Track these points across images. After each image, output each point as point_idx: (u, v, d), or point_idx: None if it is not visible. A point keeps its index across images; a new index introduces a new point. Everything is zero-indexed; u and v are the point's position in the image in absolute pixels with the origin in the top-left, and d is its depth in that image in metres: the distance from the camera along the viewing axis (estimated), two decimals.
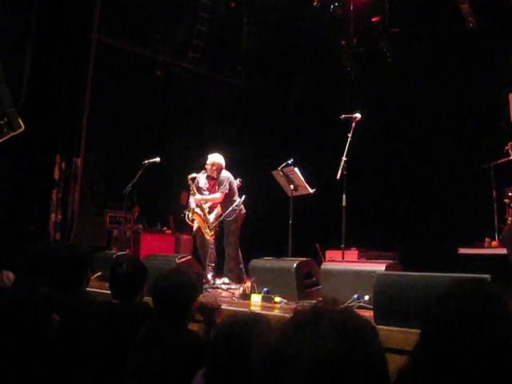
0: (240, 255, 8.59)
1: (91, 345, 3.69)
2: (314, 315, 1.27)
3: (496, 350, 1.46)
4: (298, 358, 1.18)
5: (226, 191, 8.48)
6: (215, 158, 8.66)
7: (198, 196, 8.62)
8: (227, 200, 8.51)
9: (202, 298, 3.79)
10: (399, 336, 4.00)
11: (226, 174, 8.65)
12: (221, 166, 8.65)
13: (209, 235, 8.45)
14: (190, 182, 8.71)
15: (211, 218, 8.51)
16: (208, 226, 8.45)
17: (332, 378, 1.17)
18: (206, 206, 8.64)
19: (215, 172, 8.61)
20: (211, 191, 8.73)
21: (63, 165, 9.93)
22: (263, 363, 1.26)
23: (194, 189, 8.64)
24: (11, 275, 5.05)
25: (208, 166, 8.64)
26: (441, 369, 1.49)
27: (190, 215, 8.65)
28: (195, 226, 8.75)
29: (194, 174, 8.79)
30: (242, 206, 8.62)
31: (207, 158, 8.72)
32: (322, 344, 1.19)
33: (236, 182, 8.73)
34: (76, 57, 10.10)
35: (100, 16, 10.58)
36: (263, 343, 1.34)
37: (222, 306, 5.27)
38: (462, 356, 1.47)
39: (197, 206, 8.59)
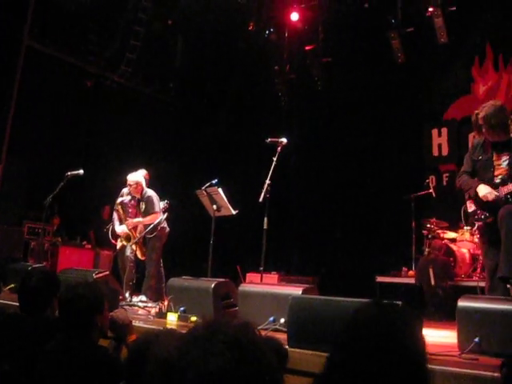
0: (163, 273, 8.49)
1: None
2: (208, 330, 1.26)
3: (397, 375, 1.48)
4: (188, 372, 1.17)
5: (158, 210, 8.40)
6: (136, 178, 8.53)
7: (130, 221, 8.48)
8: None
9: (113, 314, 3.72)
10: (312, 359, 4.04)
11: (152, 193, 8.56)
12: (142, 184, 8.55)
13: (141, 254, 8.38)
14: (118, 207, 8.59)
15: (138, 234, 8.40)
16: (136, 242, 8.34)
17: None
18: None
19: (140, 191, 8.50)
20: (134, 210, 8.62)
21: None
22: (156, 374, 1.24)
23: (124, 213, 8.53)
24: None
25: (132, 187, 8.49)
26: None
27: (125, 242, 8.46)
28: (119, 244, 8.60)
29: (124, 190, 8.70)
30: (166, 224, 8.56)
31: (127, 178, 8.57)
32: (211, 360, 1.18)
33: (163, 204, 8.64)
34: (3, 61, 9.85)
35: (32, 22, 10.36)
36: (159, 355, 1.32)
37: (138, 324, 5.22)
38: (364, 381, 1.49)
39: (129, 229, 8.45)
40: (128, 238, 8.43)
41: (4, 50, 9.80)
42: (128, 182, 8.49)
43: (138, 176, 8.56)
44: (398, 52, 11.86)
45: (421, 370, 1.56)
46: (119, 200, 8.64)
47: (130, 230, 8.44)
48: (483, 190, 5.49)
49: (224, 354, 1.19)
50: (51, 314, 3.88)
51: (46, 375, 3.07)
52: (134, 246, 8.38)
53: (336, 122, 12.51)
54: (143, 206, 8.49)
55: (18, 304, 4.23)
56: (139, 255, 8.42)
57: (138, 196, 8.53)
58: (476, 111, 5.59)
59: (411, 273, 9.96)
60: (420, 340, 1.64)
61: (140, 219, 8.48)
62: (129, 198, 8.60)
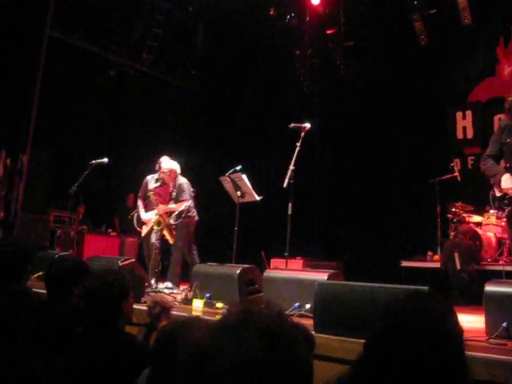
0: (197, 260, 8.48)
1: (26, 340, 3.62)
2: (241, 317, 1.26)
3: (437, 363, 1.49)
4: (219, 359, 1.17)
5: (188, 197, 8.37)
6: (171, 165, 8.54)
7: (161, 206, 8.51)
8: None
9: (155, 297, 3.77)
10: (337, 345, 4.04)
11: (184, 180, 8.55)
12: (176, 172, 8.56)
13: (171, 238, 8.42)
14: (150, 193, 8.61)
15: (171, 221, 8.42)
16: (170, 231, 8.39)
17: (250, 382, 1.17)
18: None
19: (173, 179, 8.50)
20: (163, 196, 8.64)
21: (8, 161, 9.72)
22: (187, 361, 1.25)
23: (154, 199, 8.55)
24: None
25: (165, 175, 8.49)
26: (382, 380, 1.51)
27: (156, 227, 8.48)
28: (144, 231, 8.65)
29: (148, 178, 8.72)
30: (195, 212, 8.56)
31: (161, 165, 8.56)
32: (243, 348, 1.18)
33: (191, 191, 8.64)
34: (27, 51, 9.92)
35: (55, 12, 10.41)
36: (191, 342, 1.33)
37: None
38: (403, 368, 1.49)
39: (159, 215, 8.48)
40: (158, 223, 8.47)
41: (27, 41, 9.85)
42: (162, 170, 8.51)
43: (173, 163, 8.58)
44: (421, 34, 11.72)
45: (459, 358, 1.56)
46: (151, 187, 8.65)
47: (161, 215, 8.47)
48: (506, 184, 5.46)
49: (256, 342, 1.19)
50: (78, 300, 3.93)
51: (73, 361, 3.11)
52: (160, 233, 8.41)
53: (359, 106, 12.43)
54: (174, 194, 8.51)
55: (45, 291, 4.30)
56: (169, 240, 8.47)
57: (171, 183, 8.54)
58: (510, 98, 5.49)
59: (436, 257, 9.88)
60: (458, 328, 1.64)
61: (172, 205, 8.50)
62: (156, 184, 8.63)
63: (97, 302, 3.27)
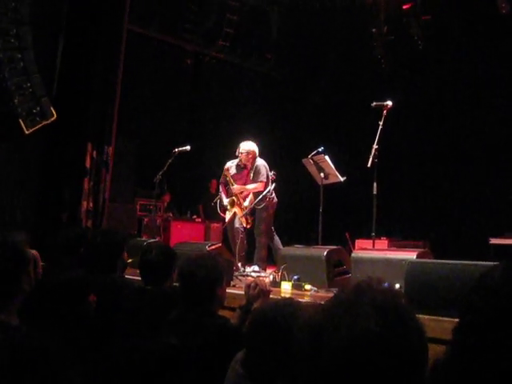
0: (279, 241, 8.54)
1: (124, 326, 3.73)
2: (355, 293, 1.27)
3: None
4: (336, 334, 1.18)
5: (265, 180, 8.37)
6: (250, 146, 8.52)
7: (236, 186, 8.57)
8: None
9: (255, 280, 3.82)
10: (431, 324, 3.96)
11: (262, 162, 8.53)
12: (255, 153, 8.54)
13: (246, 223, 8.44)
14: (226, 172, 8.66)
15: (246, 203, 8.46)
16: (245, 214, 8.42)
17: (367, 356, 1.18)
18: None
19: (251, 160, 8.51)
20: (242, 180, 8.67)
21: (94, 153, 10.00)
22: (303, 338, 1.26)
23: (232, 180, 8.59)
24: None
25: (243, 155, 8.48)
26: (483, 361, 1.44)
27: (229, 207, 8.56)
28: (227, 217, 8.73)
29: (228, 164, 8.76)
30: (274, 194, 8.58)
31: (239, 147, 8.60)
32: (359, 322, 1.19)
33: (270, 175, 8.64)
34: (107, 45, 10.14)
35: (130, 5, 10.58)
36: (305, 319, 1.35)
37: None
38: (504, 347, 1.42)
39: (234, 195, 8.54)
40: (232, 203, 8.53)
41: (107, 36, 10.07)
42: (239, 150, 8.56)
43: (252, 145, 8.58)
44: (501, 2, 11.18)
45: None
46: (231, 172, 8.72)
47: (236, 195, 8.52)
48: None
49: (371, 317, 1.20)
50: (170, 285, 4.03)
51: (167, 344, 3.17)
52: (242, 219, 8.45)
53: (439, 81, 12.10)
54: (252, 175, 8.53)
55: (137, 278, 4.43)
56: (244, 223, 8.48)
57: (248, 164, 8.57)
58: None
59: None
60: None
61: (246, 186, 8.54)
62: (235, 171, 8.69)
63: (193, 286, 3.32)
